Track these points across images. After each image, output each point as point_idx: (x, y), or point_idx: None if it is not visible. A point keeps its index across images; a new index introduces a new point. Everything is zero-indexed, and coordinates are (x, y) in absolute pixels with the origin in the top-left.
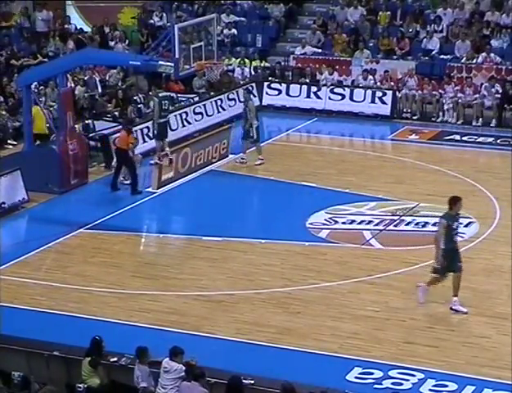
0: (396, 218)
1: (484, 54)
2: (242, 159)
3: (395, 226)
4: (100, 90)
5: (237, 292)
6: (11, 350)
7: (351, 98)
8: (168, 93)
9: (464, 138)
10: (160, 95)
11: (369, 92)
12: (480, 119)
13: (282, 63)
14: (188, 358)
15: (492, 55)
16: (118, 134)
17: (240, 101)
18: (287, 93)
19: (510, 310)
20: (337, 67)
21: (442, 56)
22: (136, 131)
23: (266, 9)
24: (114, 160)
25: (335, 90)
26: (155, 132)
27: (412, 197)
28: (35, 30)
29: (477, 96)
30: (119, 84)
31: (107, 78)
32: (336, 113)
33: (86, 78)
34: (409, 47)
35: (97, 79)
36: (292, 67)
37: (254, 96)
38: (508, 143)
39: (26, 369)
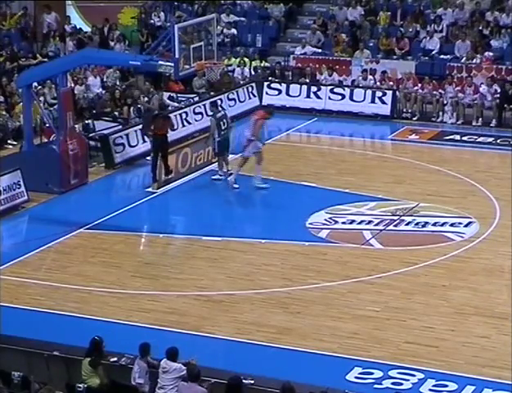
0: (396, 218)
1: (480, 54)
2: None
3: (395, 226)
4: (99, 90)
5: (237, 292)
6: (11, 350)
7: (351, 98)
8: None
9: (464, 138)
10: (218, 115)
11: (369, 92)
12: (480, 119)
13: (282, 63)
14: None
15: (488, 53)
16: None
17: (241, 101)
18: (287, 93)
19: (510, 310)
20: (337, 67)
21: (442, 56)
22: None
23: (266, 9)
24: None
25: (335, 90)
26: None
27: (412, 197)
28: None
29: (477, 96)
30: (118, 84)
31: (105, 78)
32: (336, 113)
33: (85, 78)
34: (409, 47)
35: (97, 79)
36: (292, 67)
37: (254, 96)
38: (508, 143)
39: (26, 369)
